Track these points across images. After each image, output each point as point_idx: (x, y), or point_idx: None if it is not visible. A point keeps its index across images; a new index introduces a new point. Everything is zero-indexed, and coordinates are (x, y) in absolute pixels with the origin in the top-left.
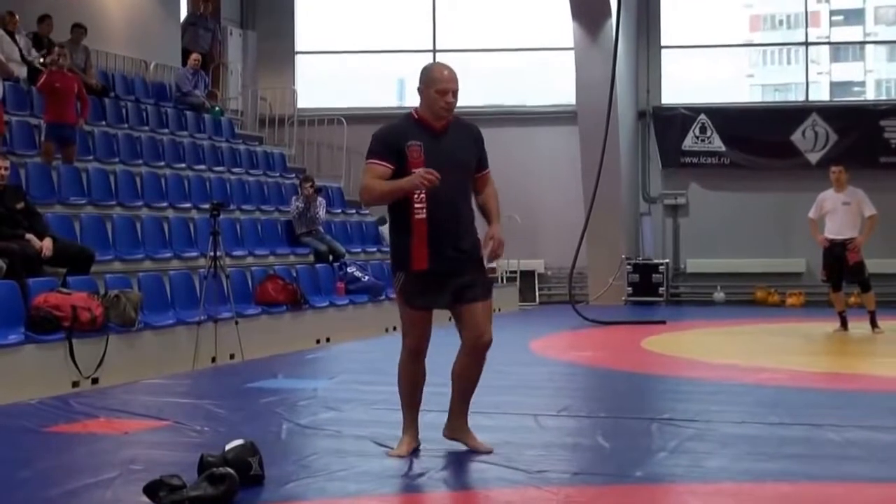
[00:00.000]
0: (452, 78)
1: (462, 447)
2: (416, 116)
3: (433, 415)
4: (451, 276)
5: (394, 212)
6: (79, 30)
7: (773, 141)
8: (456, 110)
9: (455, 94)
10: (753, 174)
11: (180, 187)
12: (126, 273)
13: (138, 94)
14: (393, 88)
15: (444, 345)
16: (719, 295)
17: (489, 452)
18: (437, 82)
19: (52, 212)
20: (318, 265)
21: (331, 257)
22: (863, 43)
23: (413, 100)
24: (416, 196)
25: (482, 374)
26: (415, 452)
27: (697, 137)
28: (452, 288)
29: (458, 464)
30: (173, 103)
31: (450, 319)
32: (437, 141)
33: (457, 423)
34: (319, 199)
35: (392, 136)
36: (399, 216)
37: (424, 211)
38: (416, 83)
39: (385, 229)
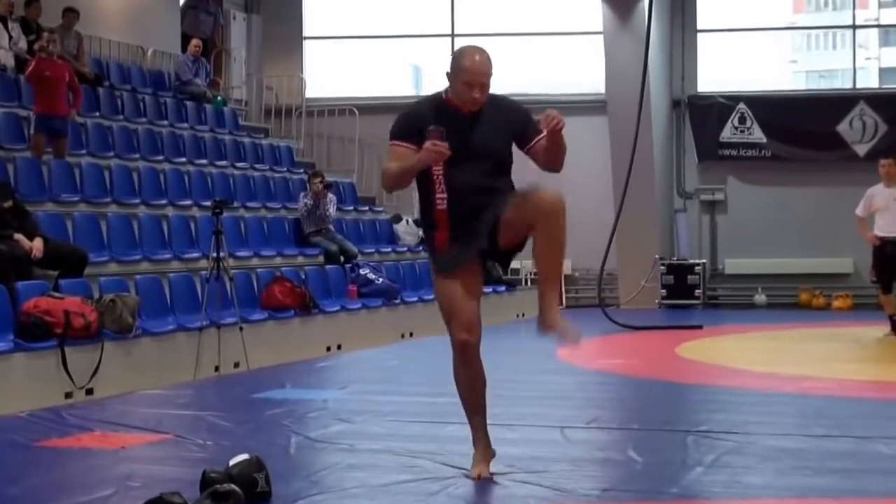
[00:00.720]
0: (482, 70)
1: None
2: (445, 97)
3: (453, 427)
4: (472, 245)
5: (421, 202)
6: (70, 14)
7: (817, 131)
8: None
9: (483, 88)
10: (796, 167)
11: (180, 183)
12: (122, 275)
13: (135, 82)
14: (409, 76)
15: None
16: (760, 297)
17: (577, 341)
18: (463, 72)
19: (42, 210)
20: (328, 266)
21: (342, 258)
22: None
23: (430, 89)
24: (437, 186)
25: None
26: (488, 464)
27: (736, 128)
28: (484, 228)
29: (480, 480)
30: (172, 93)
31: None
32: (464, 126)
33: (550, 314)
34: (330, 195)
35: (416, 117)
36: (424, 206)
37: (445, 202)
38: (433, 70)
39: (399, 227)
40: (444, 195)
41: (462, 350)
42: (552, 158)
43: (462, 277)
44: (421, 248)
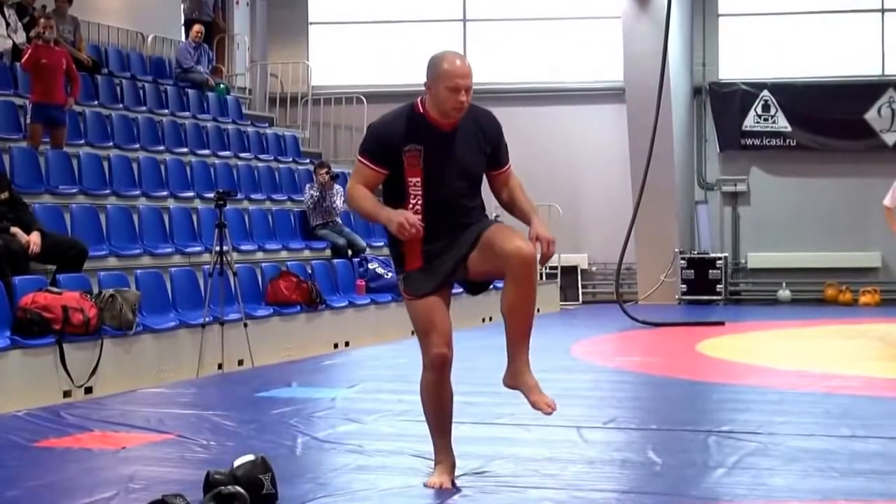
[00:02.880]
0: (466, 72)
1: (502, 458)
2: (421, 111)
3: (465, 427)
4: (447, 261)
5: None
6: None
7: (844, 120)
8: (489, 88)
9: (469, 91)
10: (822, 157)
11: (182, 174)
12: (122, 270)
13: (134, 70)
14: (417, 63)
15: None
16: (784, 293)
17: (549, 411)
18: (447, 77)
19: (39, 202)
20: (335, 261)
21: (350, 252)
22: None
23: None
24: (411, 205)
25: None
26: (453, 477)
27: (760, 116)
28: (456, 252)
29: (493, 481)
30: (173, 80)
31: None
32: (442, 143)
33: (516, 368)
34: (336, 186)
35: (389, 136)
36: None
37: (420, 217)
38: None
39: None
40: (420, 210)
41: (441, 366)
42: (511, 210)
43: (436, 292)
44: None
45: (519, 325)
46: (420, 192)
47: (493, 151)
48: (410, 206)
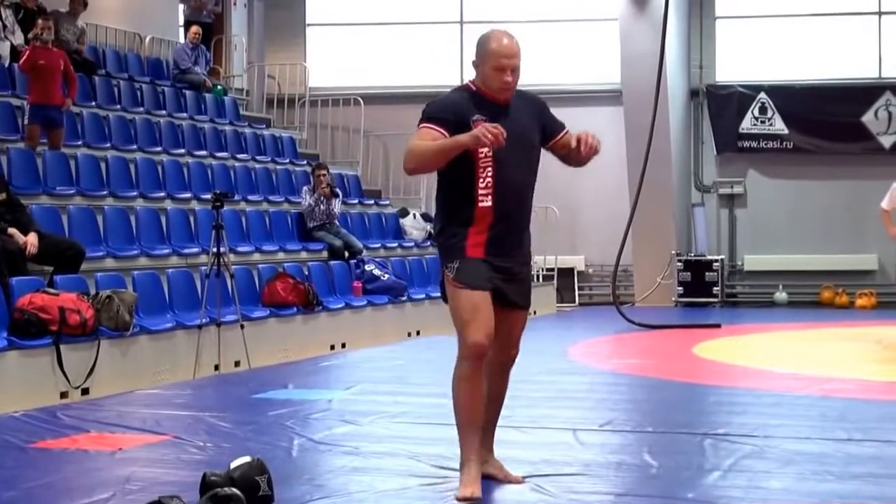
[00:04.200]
0: (513, 52)
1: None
2: (475, 88)
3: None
4: (503, 272)
5: (449, 195)
6: (78, 1)
7: (841, 122)
8: None
9: (515, 71)
10: (819, 160)
11: (179, 175)
12: (119, 271)
13: (132, 71)
14: (414, 65)
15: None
16: (781, 295)
17: (520, 483)
18: (493, 56)
19: (36, 203)
20: (332, 262)
21: (347, 254)
22: None
23: (437, 79)
24: (481, 179)
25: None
26: (480, 483)
27: (757, 119)
28: (500, 280)
29: (490, 483)
30: (171, 82)
31: None
32: (503, 116)
33: (485, 454)
34: (336, 199)
35: (455, 106)
36: (456, 201)
37: (490, 198)
38: (442, 58)
39: (406, 222)
40: (490, 190)
41: (478, 356)
42: (578, 161)
43: (486, 291)
44: (430, 243)
45: (496, 412)
46: (490, 164)
47: (549, 122)
48: (481, 180)
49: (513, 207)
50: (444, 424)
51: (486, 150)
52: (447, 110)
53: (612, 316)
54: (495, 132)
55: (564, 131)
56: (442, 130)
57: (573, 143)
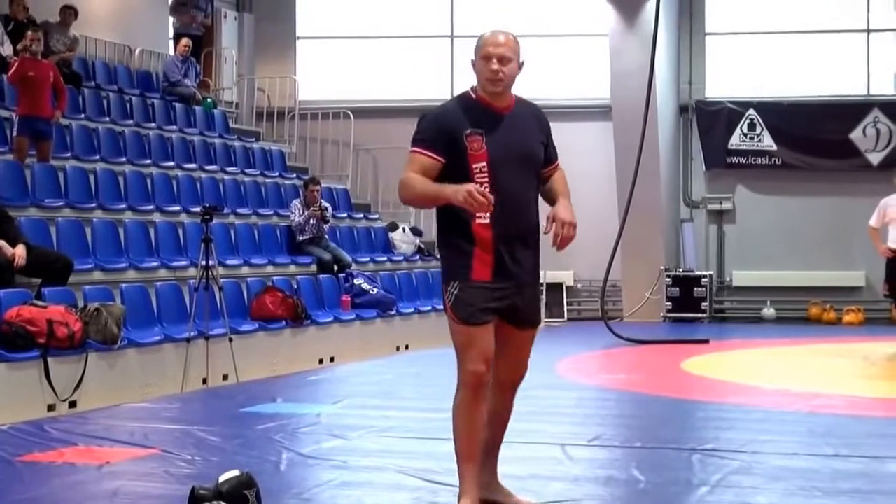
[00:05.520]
0: (499, 42)
1: None
2: (475, 95)
3: (451, 444)
4: (510, 291)
5: (447, 213)
6: (68, 11)
7: (829, 139)
8: None
9: (503, 60)
10: (808, 176)
11: (168, 188)
12: (107, 284)
13: (121, 83)
14: (405, 79)
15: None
16: (769, 311)
17: None
18: (481, 47)
19: (25, 215)
20: (321, 276)
21: (336, 267)
22: None
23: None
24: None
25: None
26: None
27: (745, 135)
28: (507, 302)
29: None
30: (160, 94)
31: None
32: (501, 126)
33: (488, 478)
34: (325, 226)
35: (446, 122)
36: (454, 218)
37: (489, 216)
38: (433, 72)
39: (395, 235)
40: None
41: (476, 385)
42: (545, 193)
43: (485, 325)
44: (419, 258)
45: (500, 434)
46: (487, 179)
47: (548, 146)
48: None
49: (512, 224)
50: (433, 439)
51: (481, 164)
52: (440, 129)
53: (600, 331)
54: (482, 201)
55: (554, 164)
56: (433, 155)
57: (549, 214)
